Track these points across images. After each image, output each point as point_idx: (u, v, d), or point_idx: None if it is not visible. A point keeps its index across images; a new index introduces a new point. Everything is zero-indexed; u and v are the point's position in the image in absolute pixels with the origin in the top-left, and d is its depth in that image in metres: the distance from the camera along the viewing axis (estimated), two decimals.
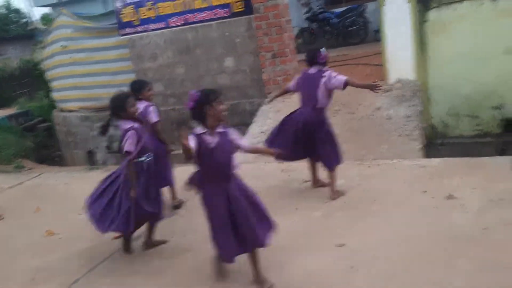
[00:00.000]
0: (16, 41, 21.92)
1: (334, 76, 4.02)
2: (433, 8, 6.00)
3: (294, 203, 4.19)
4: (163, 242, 3.81)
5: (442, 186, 4.07)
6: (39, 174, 6.84)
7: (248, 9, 7.12)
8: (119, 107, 3.42)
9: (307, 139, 4.14)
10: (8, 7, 27.56)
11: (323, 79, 4.03)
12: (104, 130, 3.56)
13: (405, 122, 5.64)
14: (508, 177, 4.05)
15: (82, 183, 5.73)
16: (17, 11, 27.88)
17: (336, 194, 4.19)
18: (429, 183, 4.20)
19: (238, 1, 7.20)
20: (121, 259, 3.71)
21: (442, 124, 6.33)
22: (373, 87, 4.15)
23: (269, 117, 6.63)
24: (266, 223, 2.95)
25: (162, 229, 3.86)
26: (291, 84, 4.39)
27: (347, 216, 3.83)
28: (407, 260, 3.03)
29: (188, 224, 4.11)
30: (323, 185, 4.40)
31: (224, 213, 2.79)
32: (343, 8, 11.96)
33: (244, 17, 7.23)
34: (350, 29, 11.73)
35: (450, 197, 3.85)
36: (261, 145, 4.96)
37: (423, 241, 3.24)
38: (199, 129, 2.74)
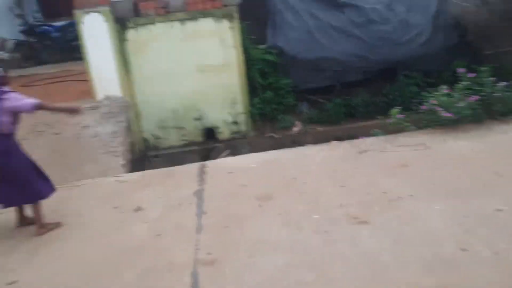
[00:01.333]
0: None
1: (20, 99, 3.59)
2: (130, 28, 6.27)
3: None
4: None
5: (134, 199, 4.24)
6: None
7: None
8: None
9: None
10: None
11: (6, 102, 3.55)
12: None
13: (111, 139, 5.69)
14: (191, 182, 4.53)
15: None
16: None
17: (44, 227, 3.77)
18: (123, 198, 4.32)
19: None
20: None
21: (153, 137, 6.69)
22: (71, 111, 3.96)
23: None
24: None
25: None
26: None
27: (28, 249, 3.55)
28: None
29: None
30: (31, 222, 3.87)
31: None
32: (64, 23, 11.38)
33: None
34: (73, 43, 11.25)
35: (138, 209, 4.04)
36: None
37: (111, 259, 3.27)
38: None
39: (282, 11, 7.19)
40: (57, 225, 3.85)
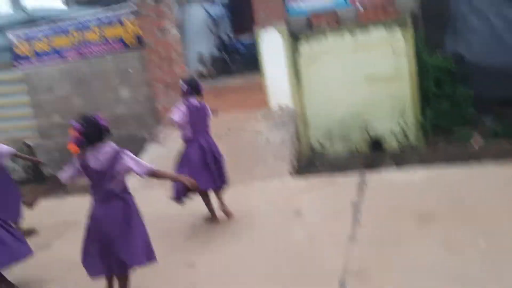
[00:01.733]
0: None
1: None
2: (303, 42, 6.64)
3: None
4: None
5: (296, 203, 4.54)
6: None
7: (140, 43, 7.43)
8: None
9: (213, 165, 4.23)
10: None
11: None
12: None
13: (281, 145, 6.15)
14: (351, 192, 4.59)
15: None
16: None
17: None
18: (286, 201, 4.67)
19: (130, 36, 7.49)
20: None
21: (319, 145, 6.92)
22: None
23: (164, 145, 6.89)
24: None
25: None
26: (178, 117, 4.16)
27: (204, 237, 4.15)
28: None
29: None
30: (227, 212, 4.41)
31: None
32: (250, 40, 12.63)
33: (137, 50, 7.51)
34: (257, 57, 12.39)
35: (298, 213, 4.32)
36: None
37: (269, 258, 3.58)
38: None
39: (465, 14, 6.59)
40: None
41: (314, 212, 4.27)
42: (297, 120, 6.70)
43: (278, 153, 6.02)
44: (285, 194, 4.87)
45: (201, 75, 13.08)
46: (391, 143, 6.55)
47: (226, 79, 12.04)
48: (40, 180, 7.85)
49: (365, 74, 6.47)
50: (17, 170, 8.04)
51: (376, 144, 6.72)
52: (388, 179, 4.86)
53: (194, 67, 12.87)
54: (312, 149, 6.95)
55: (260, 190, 5.10)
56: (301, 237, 3.83)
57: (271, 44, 6.66)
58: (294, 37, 6.66)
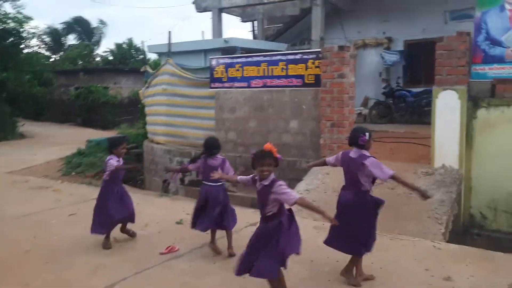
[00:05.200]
0: (131, 73, 25.25)
1: (380, 167, 3.96)
2: (482, 107, 6.49)
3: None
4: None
5: (445, 268, 4.51)
6: None
7: (317, 82, 8.15)
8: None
9: (346, 223, 3.98)
10: (130, 44, 31.82)
11: (366, 168, 3.98)
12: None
13: (438, 206, 6.07)
14: (509, 273, 4.37)
15: (149, 205, 6.92)
16: (137, 48, 32.10)
17: (361, 276, 4.22)
18: (435, 263, 4.65)
19: (310, 74, 8.26)
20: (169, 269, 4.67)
21: (480, 215, 6.60)
22: (422, 195, 4.01)
23: (317, 178, 7.39)
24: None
25: None
26: (331, 159, 4.41)
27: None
28: None
29: None
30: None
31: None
32: (421, 89, 12.51)
33: (313, 88, 8.25)
34: (425, 109, 12.18)
35: (447, 278, 4.30)
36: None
37: None
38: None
39: None
40: (371, 277, 4.24)
41: (465, 284, 4.19)
42: (461, 184, 6.52)
43: (434, 214, 5.96)
44: (435, 257, 4.84)
45: (362, 117, 13.44)
46: None
47: (387, 125, 12.14)
48: None
49: None
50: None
51: None
52: None
53: (356, 109, 13.29)
54: (471, 218, 6.66)
55: (409, 248, 5.15)
56: None
57: (447, 104, 6.66)
58: (474, 101, 6.55)
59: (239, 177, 4.03)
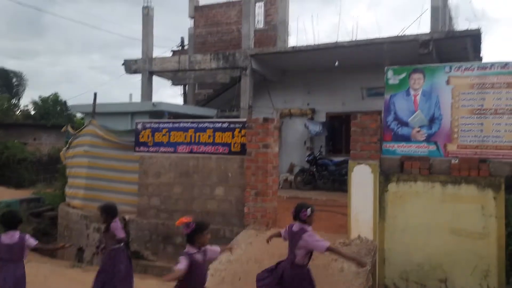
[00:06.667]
0: (53, 129, 24.10)
1: (316, 240, 4.30)
2: (392, 181, 6.99)
3: None
4: None
5: None
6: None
7: (243, 151, 8.33)
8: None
9: None
10: (55, 99, 30.63)
11: (303, 241, 4.29)
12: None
13: (353, 277, 6.23)
14: None
15: (59, 278, 6.38)
16: (64, 103, 30.91)
17: None
18: None
19: (236, 143, 8.46)
20: None
21: (393, 285, 6.86)
22: (359, 263, 4.39)
23: (240, 247, 7.33)
24: None
25: None
26: (282, 232, 4.72)
27: None
28: None
29: None
30: None
31: None
32: (342, 158, 13.24)
33: (239, 156, 8.41)
34: (345, 177, 12.82)
35: None
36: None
37: None
38: (191, 250, 3.73)
39: None
40: None
41: None
42: (375, 255, 6.80)
43: (350, 286, 6.10)
44: None
45: (288, 183, 13.81)
46: None
47: (310, 192, 12.56)
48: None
49: (450, 227, 6.53)
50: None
51: None
52: None
53: (282, 175, 13.67)
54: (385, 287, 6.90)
55: None
56: None
57: (361, 177, 7.08)
58: (385, 175, 7.04)
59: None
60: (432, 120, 7.07)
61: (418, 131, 7.14)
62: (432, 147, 7.02)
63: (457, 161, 6.72)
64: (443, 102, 6.99)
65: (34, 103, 30.64)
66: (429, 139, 7.06)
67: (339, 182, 12.93)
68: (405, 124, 7.28)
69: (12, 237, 4.42)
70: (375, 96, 12.88)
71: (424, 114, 7.11)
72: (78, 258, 9.57)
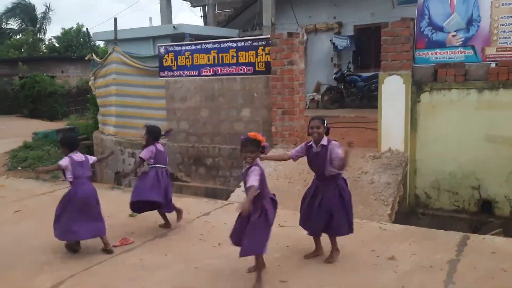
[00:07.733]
0: (79, 61, 24.22)
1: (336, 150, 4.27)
2: (425, 91, 6.73)
3: None
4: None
5: (390, 248, 4.68)
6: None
7: (268, 70, 8.13)
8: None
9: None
10: (78, 30, 30.44)
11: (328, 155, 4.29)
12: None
13: (384, 188, 6.28)
14: (448, 250, 4.61)
15: (101, 199, 6.70)
16: (86, 35, 30.76)
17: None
18: (381, 244, 4.82)
19: (261, 62, 8.24)
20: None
21: (425, 195, 6.89)
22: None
23: (270, 165, 7.43)
24: None
25: None
26: (293, 153, 4.55)
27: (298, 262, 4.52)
28: None
29: None
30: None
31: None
32: (371, 73, 12.81)
33: (264, 75, 8.23)
34: (375, 93, 12.51)
35: (391, 258, 4.47)
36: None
37: None
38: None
39: None
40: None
41: (407, 262, 4.37)
42: (406, 166, 6.77)
43: (381, 196, 6.17)
44: (381, 238, 5.02)
45: (315, 103, 13.62)
46: (503, 209, 6.28)
47: (338, 110, 12.37)
48: None
49: (486, 134, 6.34)
50: None
51: (485, 206, 6.50)
52: (492, 246, 4.75)
53: (309, 94, 13.44)
54: (416, 198, 6.95)
55: (356, 230, 5.28)
56: (391, 282, 3.99)
57: (393, 89, 6.84)
58: (418, 85, 6.78)
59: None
60: (469, 22, 6.59)
61: (454, 36, 6.71)
62: (469, 52, 6.62)
63: (495, 65, 6.34)
64: (482, 1, 6.46)
65: (58, 36, 30.62)
66: (465, 43, 6.64)
67: (368, 99, 12.64)
68: (440, 29, 6.83)
69: (79, 156, 4.78)
70: (407, 3, 12.02)
71: (461, 17, 6.62)
72: (116, 182, 10.02)
